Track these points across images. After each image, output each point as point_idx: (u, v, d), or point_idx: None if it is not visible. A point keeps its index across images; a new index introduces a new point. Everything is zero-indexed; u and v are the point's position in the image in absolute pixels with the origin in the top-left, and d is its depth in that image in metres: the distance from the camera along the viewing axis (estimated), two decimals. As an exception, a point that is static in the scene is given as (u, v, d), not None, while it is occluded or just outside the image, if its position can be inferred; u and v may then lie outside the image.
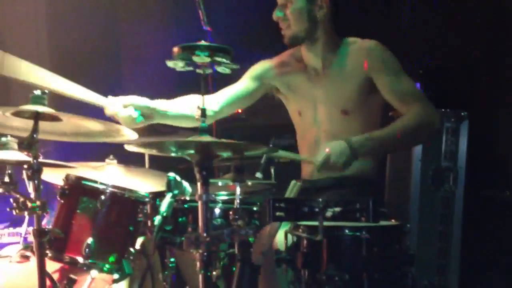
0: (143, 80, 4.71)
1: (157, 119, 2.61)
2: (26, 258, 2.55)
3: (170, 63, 2.01)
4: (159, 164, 3.10)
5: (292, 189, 2.20)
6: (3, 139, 2.45)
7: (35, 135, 1.95)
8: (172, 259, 2.46)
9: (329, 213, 1.76)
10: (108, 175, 2.53)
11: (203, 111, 2.02)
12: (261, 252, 1.95)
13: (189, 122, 2.64)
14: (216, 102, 2.75)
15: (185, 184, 2.35)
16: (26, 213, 1.99)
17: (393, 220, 2.07)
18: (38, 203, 1.93)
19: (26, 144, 1.93)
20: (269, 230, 1.99)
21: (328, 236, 1.83)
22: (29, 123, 2.00)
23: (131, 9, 4.86)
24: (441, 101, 3.20)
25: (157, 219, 2.25)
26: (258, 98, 2.85)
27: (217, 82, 2.95)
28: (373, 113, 2.64)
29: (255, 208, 2.17)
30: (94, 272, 2.35)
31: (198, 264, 1.86)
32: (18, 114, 2.04)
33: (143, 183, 2.57)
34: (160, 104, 2.60)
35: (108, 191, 2.34)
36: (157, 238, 2.10)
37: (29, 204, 1.93)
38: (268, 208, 1.81)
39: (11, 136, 2.47)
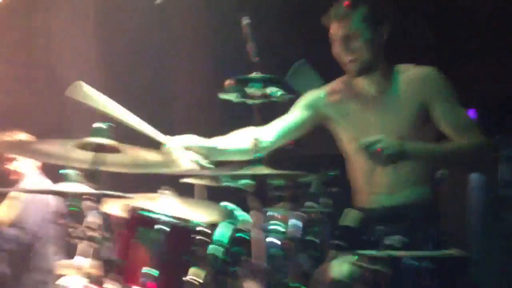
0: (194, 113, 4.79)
1: (213, 157, 2.56)
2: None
3: (223, 95, 2.05)
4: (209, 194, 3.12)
5: (348, 217, 2.17)
6: (64, 171, 2.52)
7: (98, 167, 2.02)
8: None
9: (389, 242, 1.73)
10: (162, 205, 2.56)
11: (258, 142, 2.04)
12: (320, 283, 1.94)
13: (244, 155, 2.64)
14: (269, 133, 2.76)
15: (240, 213, 2.36)
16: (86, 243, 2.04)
17: (455, 250, 2.02)
18: (101, 233, 1.98)
19: (89, 175, 1.99)
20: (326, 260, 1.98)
21: (390, 266, 1.79)
22: (89, 154, 2.06)
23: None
24: (497, 127, 3.13)
25: (213, 249, 2.27)
26: (311, 129, 2.85)
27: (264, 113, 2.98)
28: (427, 141, 2.61)
29: (312, 239, 2.15)
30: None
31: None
32: (80, 146, 2.11)
33: (196, 213, 2.60)
34: (218, 143, 2.59)
35: (164, 221, 2.37)
36: (214, 268, 2.11)
37: (93, 234, 1.97)
38: (328, 237, 1.80)
39: (72, 168, 2.54)
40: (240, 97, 2.09)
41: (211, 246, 2.18)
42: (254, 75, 2.03)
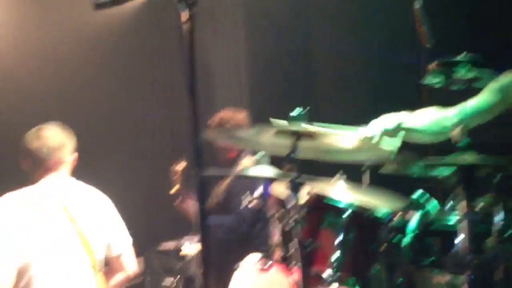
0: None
1: (404, 138, 2.54)
2: (266, 268, 2.65)
3: (426, 80, 1.96)
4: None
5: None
6: (257, 155, 2.58)
7: (295, 153, 2.03)
8: (400, 279, 2.38)
9: None
10: (344, 192, 2.54)
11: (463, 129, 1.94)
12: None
13: (431, 137, 2.53)
14: (455, 115, 2.63)
15: (433, 203, 2.27)
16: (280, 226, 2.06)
17: None
18: (298, 216, 2.00)
19: (287, 160, 2.01)
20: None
21: None
22: (287, 141, 2.07)
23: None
24: None
25: (406, 239, 2.21)
26: (498, 114, 2.68)
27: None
28: None
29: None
30: (335, 285, 2.37)
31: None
32: (278, 133, 2.14)
33: (377, 201, 2.54)
34: (412, 122, 2.53)
35: (349, 208, 2.35)
36: (406, 258, 2.05)
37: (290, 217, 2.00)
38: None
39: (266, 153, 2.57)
40: (444, 82, 2.00)
41: (403, 236, 2.13)
42: (463, 57, 1.93)
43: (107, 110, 5.46)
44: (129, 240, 2.94)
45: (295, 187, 2.05)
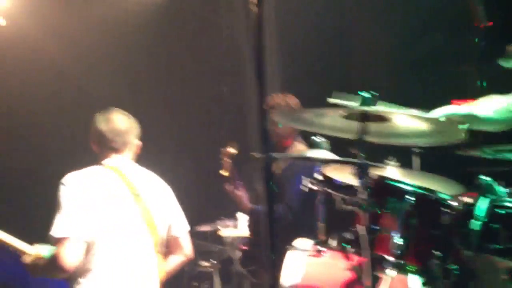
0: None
1: (472, 126, 2.47)
2: (319, 252, 2.64)
3: (503, 62, 1.91)
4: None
5: None
6: (315, 138, 2.55)
7: (363, 135, 2.00)
8: (454, 266, 2.35)
9: None
10: (404, 175, 2.50)
11: None
12: None
13: (501, 126, 2.49)
14: None
15: (500, 188, 2.23)
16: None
17: None
18: (367, 200, 1.98)
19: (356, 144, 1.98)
20: None
21: None
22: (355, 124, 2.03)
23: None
24: None
25: (473, 224, 2.17)
26: None
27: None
28: None
29: None
30: (392, 272, 2.34)
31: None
32: (347, 116, 2.10)
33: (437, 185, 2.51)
34: (476, 109, 2.49)
35: (413, 192, 2.31)
36: (473, 244, 2.02)
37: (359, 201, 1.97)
38: None
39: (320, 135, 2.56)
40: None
41: (472, 222, 2.09)
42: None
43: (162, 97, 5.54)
44: (187, 225, 2.96)
45: (362, 171, 2.02)
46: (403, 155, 2.68)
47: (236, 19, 5.27)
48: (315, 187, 2.27)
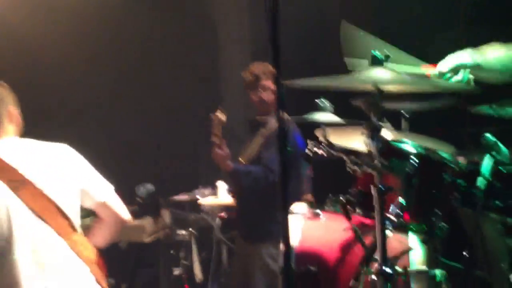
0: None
1: (480, 76, 2.45)
2: (317, 215, 2.62)
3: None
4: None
5: None
6: (320, 102, 2.50)
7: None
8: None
9: None
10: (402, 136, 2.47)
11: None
12: None
13: (500, 76, 2.46)
14: None
15: (502, 146, 2.23)
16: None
17: None
18: (379, 162, 1.94)
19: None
20: None
21: None
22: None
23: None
24: None
25: (478, 183, 2.17)
26: None
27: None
28: None
29: None
30: (389, 233, 2.33)
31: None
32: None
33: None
34: (482, 58, 2.44)
35: (415, 152, 2.29)
36: (482, 201, 2.01)
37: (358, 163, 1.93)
38: None
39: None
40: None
41: (479, 179, 2.08)
42: None
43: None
44: (110, 187, 2.57)
45: (374, 132, 1.98)
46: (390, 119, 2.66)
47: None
48: (319, 151, 2.21)
